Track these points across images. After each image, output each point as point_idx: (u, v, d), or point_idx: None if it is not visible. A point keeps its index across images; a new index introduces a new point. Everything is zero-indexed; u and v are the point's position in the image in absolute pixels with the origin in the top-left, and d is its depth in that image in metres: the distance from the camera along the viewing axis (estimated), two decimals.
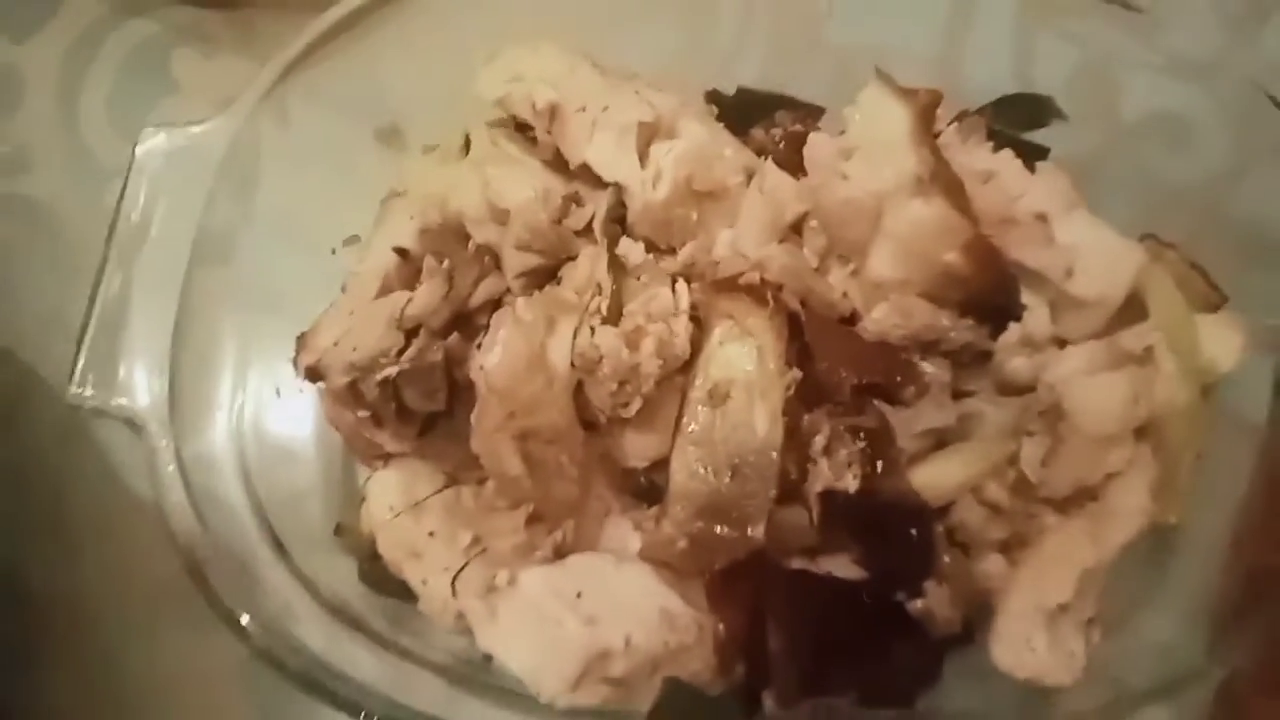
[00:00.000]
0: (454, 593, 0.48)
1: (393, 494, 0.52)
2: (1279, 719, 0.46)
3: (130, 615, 0.59)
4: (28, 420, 0.63)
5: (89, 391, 0.47)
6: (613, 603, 0.45)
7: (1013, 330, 0.49)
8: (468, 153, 0.58)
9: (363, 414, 0.49)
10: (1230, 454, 0.51)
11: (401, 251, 0.54)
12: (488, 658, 0.49)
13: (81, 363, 0.47)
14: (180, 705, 0.58)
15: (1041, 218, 0.50)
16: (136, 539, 0.60)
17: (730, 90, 0.58)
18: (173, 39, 0.73)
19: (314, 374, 0.52)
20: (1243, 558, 0.50)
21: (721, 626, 0.46)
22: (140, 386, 0.48)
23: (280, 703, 0.57)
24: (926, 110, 0.48)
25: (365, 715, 0.42)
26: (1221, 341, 0.50)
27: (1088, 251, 0.49)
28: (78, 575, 0.60)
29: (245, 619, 0.43)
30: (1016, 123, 0.55)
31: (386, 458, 0.53)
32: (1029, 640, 0.47)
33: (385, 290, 0.53)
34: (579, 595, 0.45)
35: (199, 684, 0.58)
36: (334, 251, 0.58)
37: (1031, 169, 0.53)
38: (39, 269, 0.68)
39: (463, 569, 0.47)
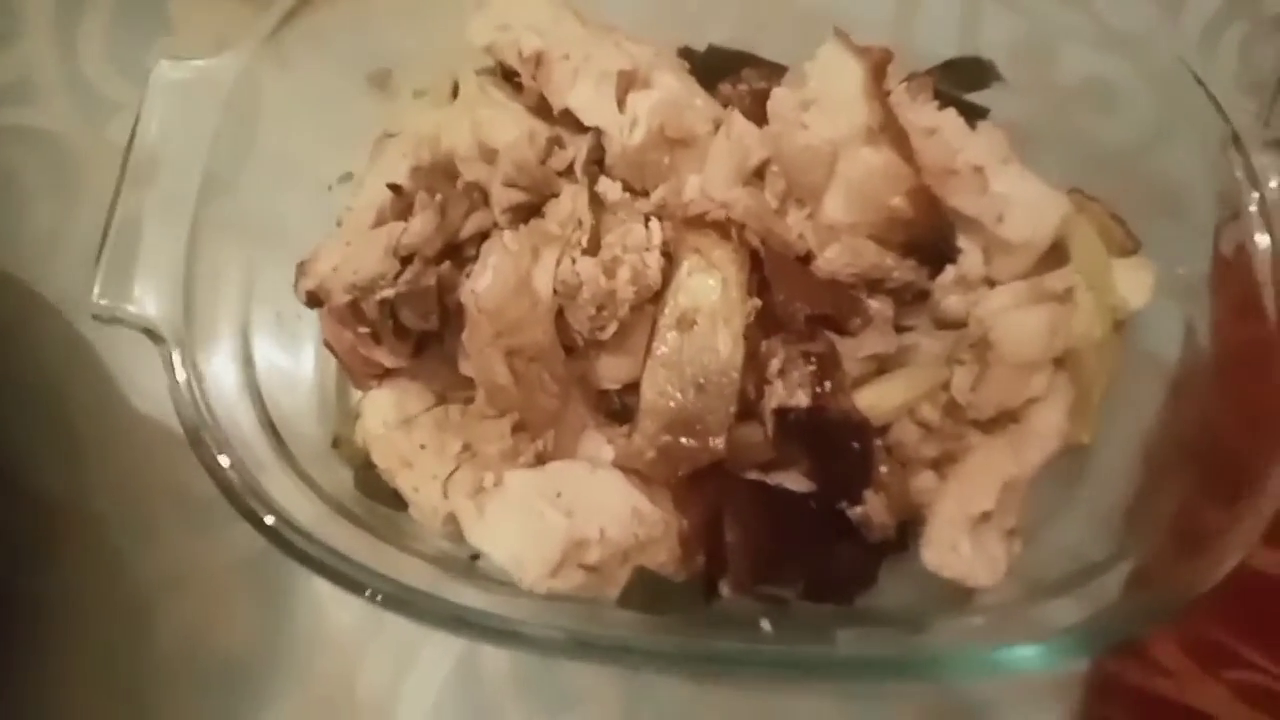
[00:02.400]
0: (445, 494, 0.52)
1: (386, 411, 0.57)
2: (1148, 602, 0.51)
3: (133, 517, 0.63)
4: (32, 339, 0.66)
5: (106, 301, 0.51)
6: (589, 501, 0.50)
7: (949, 271, 0.54)
8: (456, 97, 0.62)
9: (362, 330, 0.53)
10: (1142, 385, 0.57)
11: (395, 187, 0.57)
12: (474, 557, 0.54)
13: (100, 277, 0.51)
14: (184, 602, 0.62)
15: (978, 169, 0.54)
16: (138, 448, 0.64)
17: (701, 47, 0.62)
18: None
19: (313, 299, 0.56)
20: (1145, 478, 0.56)
21: (685, 523, 0.51)
22: (154, 300, 0.51)
23: (280, 597, 0.62)
24: (879, 66, 0.53)
25: (371, 593, 0.46)
26: (1134, 282, 0.55)
27: (1018, 200, 0.54)
28: (83, 480, 0.64)
29: (258, 507, 0.47)
30: (960, 84, 0.60)
31: (381, 377, 0.58)
32: (955, 545, 0.53)
33: (380, 223, 0.57)
34: (559, 494, 0.50)
35: (202, 581, 0.62)
36: (330, 188, 0.62)
37: (972, 126, 0.57)
38: (40, 197, 0.71)
39: (454, 471, 0.52)
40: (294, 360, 0.60)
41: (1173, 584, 0.49)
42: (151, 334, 0.50)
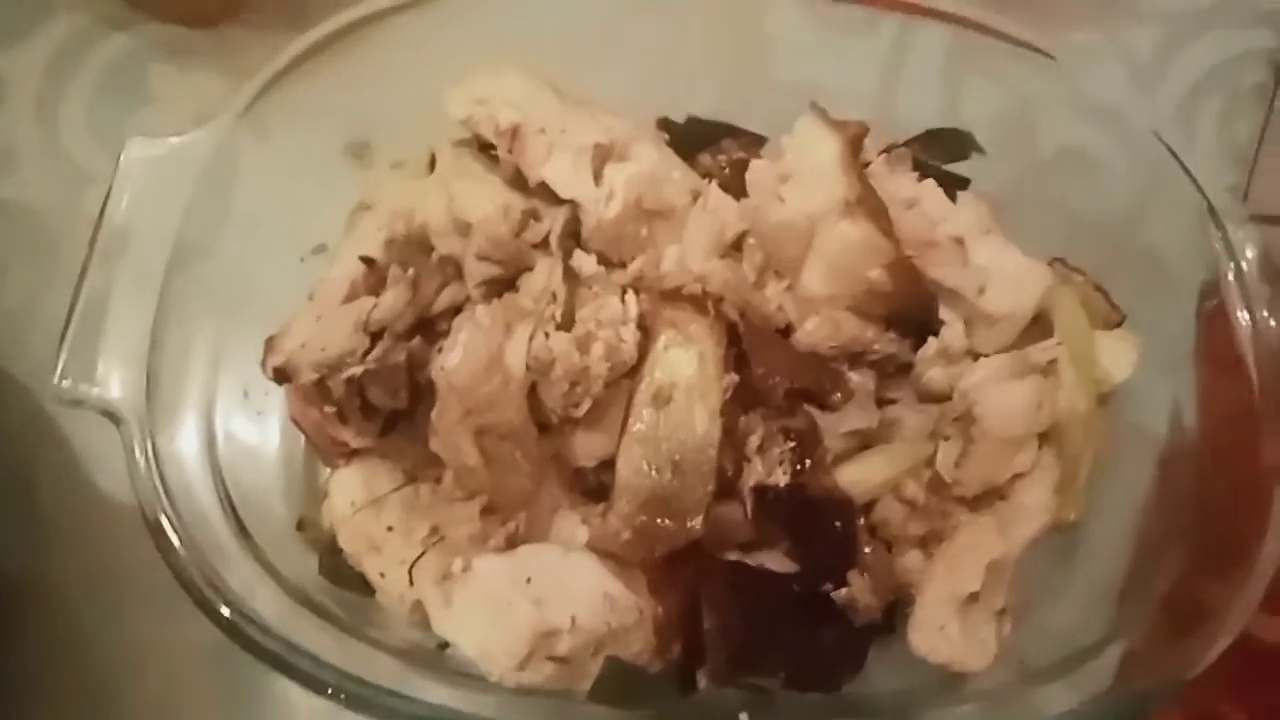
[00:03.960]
0: (411, 581, 0.51)
1: (354, 490, 0.55)
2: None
3: (97, 600, 0.61)
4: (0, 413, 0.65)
5: (68, 384, 0.49)
6: (560, 587, 0.48)
7: (931, 343, 0.53)
8: (433, 169, 0.61)
9: (329, 409, 0.52)
10: (1130, 461, 0.56)
11: (368, 260, 0.57)
12: (442, 646, 0.52)
13: (64, 357, 0.49)
14: (147, 686, 0.60)
15: (959, 241, 0.54)
16: (104, 529, 0.61)
17: (681, 118, 0.62)
18: (152, 53, 0.75)
19: (281, 375, 0.54)
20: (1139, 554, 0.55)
21: (660, 610, 0.49)
22: (118, 381, 0.50)
23: (245, 685, 0.60)
24: (855, 140, 0.52)
25: (331, 691, 0.44)
26: (1117, 355, 0.55)
27: (1000, 272, 0.53)
28: (47, 561, 0.62)
29: (213, 596, 0.46)
30: (940, 155, 0.60)
31: (349, 456, 0.56)
32: (944, 627, 0.51)
33: (352, 296, 0.56)
34: (528, 580, 0.48)
35: (166, 666, 0.60)
36: (303, 260, 0.61)
37: (953, 198, 0.57)
38: (14, 271, 0.70)
39: (421, 556, 0.50)
40: (261, 436, 0.58)
41: (1169, 664, 0.48)
42: (111, 415, 0.49)
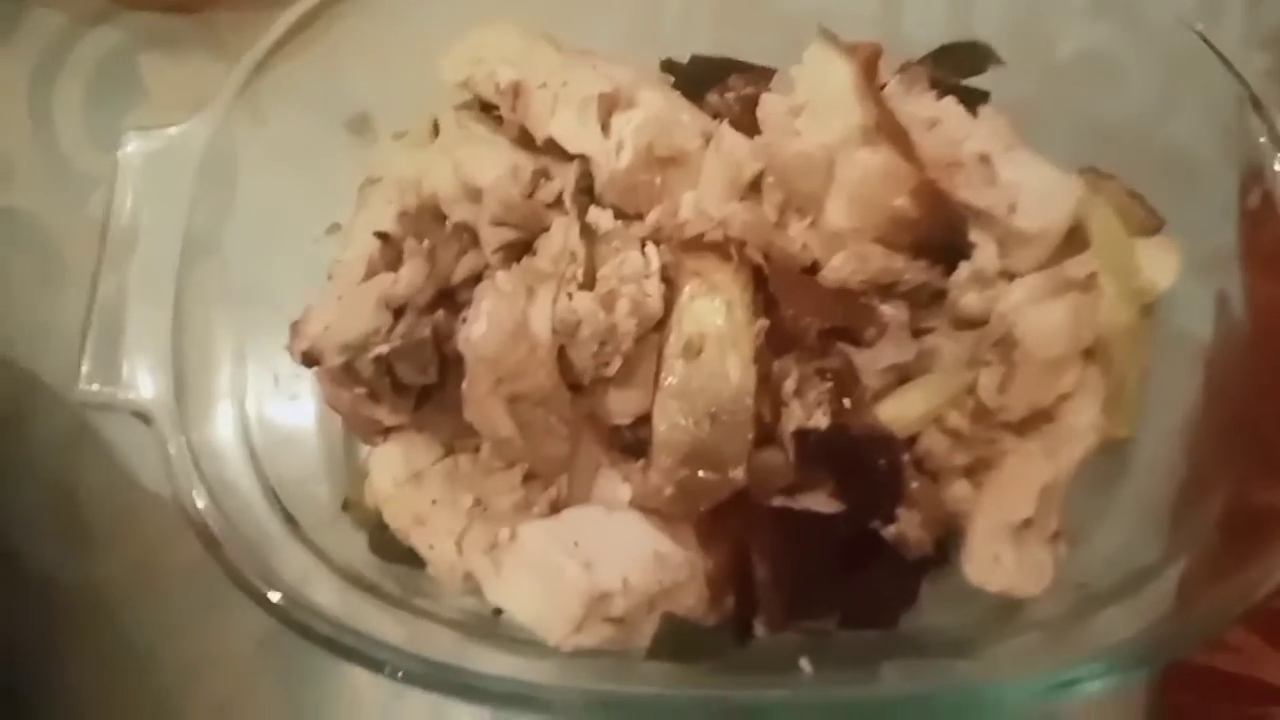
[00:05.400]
0: (460, 553, 0.51)
1: (394, 467, 0.55)
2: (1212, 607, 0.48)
3: (149, 604, 0.62)
4: (34, 423, 0.65)
5: (95, 387, 0.49)
6: (609, 549, 0.48)
7: (963, 268, 0.51)
8: (437, 136, 0.60)
9: (359, 391, 0.52)
10: (1176, 369, 0.55)
11: (382, 235, 0.56)
12: (497, 612, 0.52)
13: (88, 361, 0.49)
14: (204, 687, 0.61)
15: (984, 159, 0.52)
16: (150, 530, 0.62)
17: (683, 59, 0.60)
18: (139, 45, 0.74)
19: (309, 359, 0.54)
20: (1189, 467, 0.53)
21: (711, 563, 0.49)
22: (145, 381, 0.50)
23: (301, 677, 0.60)
24: (868, 63, 0.50)
25: (390, 670, 0.44)
26: (1160, 262, 0.53)
27: (1029, 187, 0.51)
28: (96, 568, 0.62)
29: (265, 588, 0.46)
30: (956, 70, 0.57)
31: (386, 433, 0.56)
32: (998, 556, 0.50)
33: (370, 274, 0.55)
34: (576, 544, 0.48)
35: (221, 665, 0.61)
36: (317, 241, 0.60)
37: (973, 113, 0.55)
38: (26, 278, 0.69)
39: (467, 528, 0.50)
40: (297, 422, 0.58)
41: (1233, 579, 0.46)
42: (141, 415, 0.49)
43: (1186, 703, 0.57)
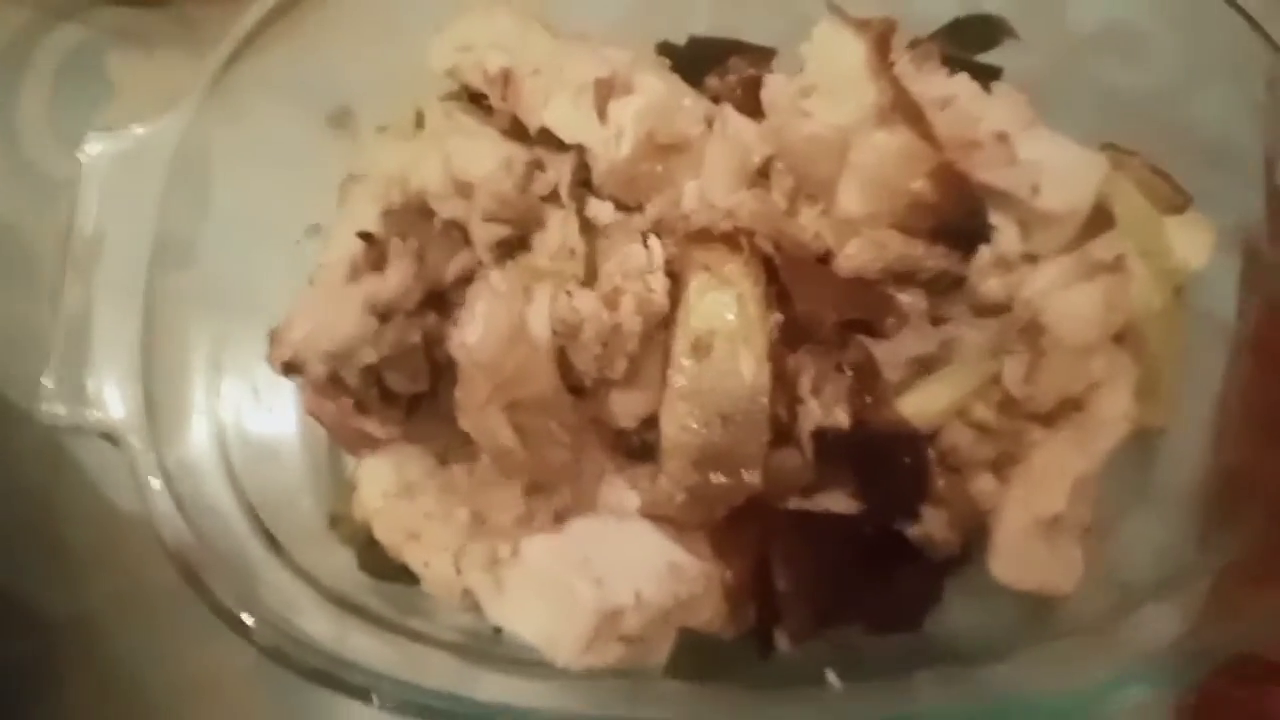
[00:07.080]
0: (458, 570, 0.48)
1: (384, 479, 0.52)
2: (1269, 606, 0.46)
3: (138, 627, 0.59)
4: (6, 445, 0.61)
5: (61, 409, 0.46)
6: (618, 562, 0.45)
7: (984, 252, 0.49)
8: (422, 128, 0.57)
9: (345, 402, 0.49)
10: (1213, 355, 0.52)
11: (366, 236, 0.53)
12: (498, 630, 0.49)
13: (52, 381, 0.46)
14: (198, 710, 0.58)
15: (1002, 137, 0.49)
16: (134, 550, 0.58)
17: (680, 40, 0.58)
18: (106, 41, 0.70)
19: (290, 368, 0.51)
20: (1223, 454, 0.51)
21: (729, 573, 0.46)
22: (114, 399, 0.47)
23: (297, 698, 0.57)
24: (882, 39, 0.48)
25: (379, 701, 0.42)
26: (1191, 241, 0.50)
27: (1051, 166, 0.49)
28: (82, 593, 0.60)
29: (248, 619, 0.43)
30: (969, 45, 0.55)
31: (374, 445, 0.53)
32: (1027, 552, 0.48)
33: (354, 277, 0.52)
34: (584, 558, 0.45)
35: (215, 688, 0.58)
36: (297, 243, 0.57)
37: (988, 90, 0.53)
38: None
39: (464, 545, 0.47)
40: (278, 435, 0.55)
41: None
42: (109, 437, 0.46)
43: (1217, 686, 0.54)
